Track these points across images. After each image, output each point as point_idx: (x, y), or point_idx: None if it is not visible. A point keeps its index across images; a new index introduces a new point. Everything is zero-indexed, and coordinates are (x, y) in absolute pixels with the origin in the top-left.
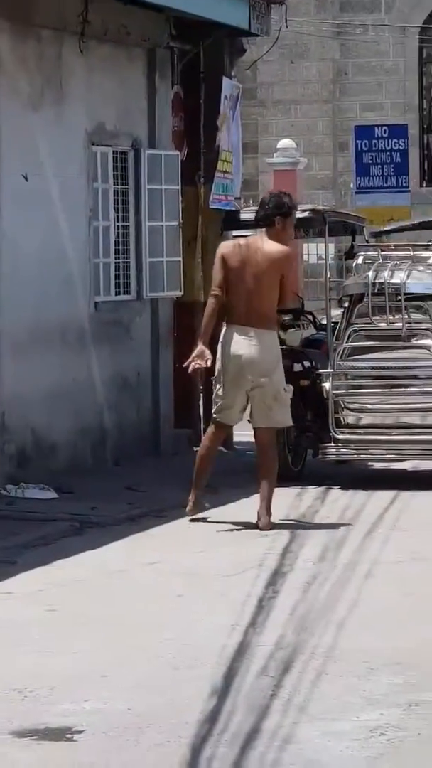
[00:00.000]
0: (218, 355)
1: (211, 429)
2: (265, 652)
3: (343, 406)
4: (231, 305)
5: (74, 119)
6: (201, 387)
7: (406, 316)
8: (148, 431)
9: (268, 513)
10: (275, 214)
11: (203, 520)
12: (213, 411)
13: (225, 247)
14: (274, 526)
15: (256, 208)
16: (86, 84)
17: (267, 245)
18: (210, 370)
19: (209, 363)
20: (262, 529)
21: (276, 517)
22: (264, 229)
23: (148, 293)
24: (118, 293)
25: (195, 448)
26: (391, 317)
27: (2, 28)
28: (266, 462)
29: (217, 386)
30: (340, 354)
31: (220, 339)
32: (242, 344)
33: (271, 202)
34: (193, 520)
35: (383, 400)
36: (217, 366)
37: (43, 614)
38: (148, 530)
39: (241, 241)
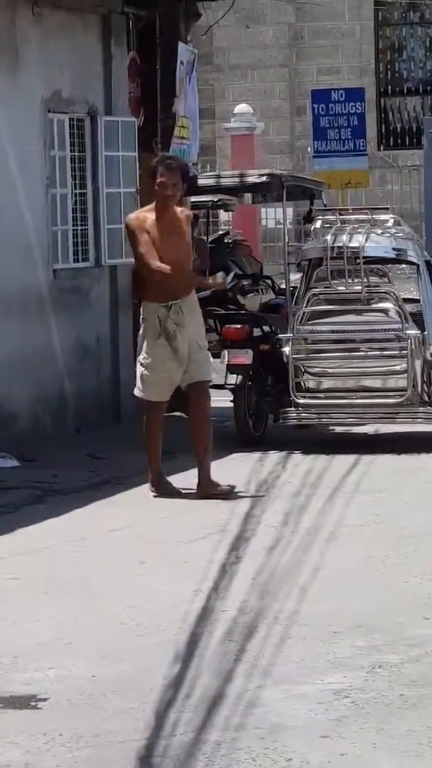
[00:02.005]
0: None
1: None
2: (228, 617)
3: (303, 370)
4: None
5: (30, 87)
6: None
7: (365, 280)
8: (109, 397)
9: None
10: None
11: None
12: None
13: None
14: (151, 486)
15: (214, 173)
16: (41, 51)
17: None
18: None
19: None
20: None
21: (238, 482)
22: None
23: (106, 260)
24: (76, 260)
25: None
26: (350, 281)
27: None
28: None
29: None
30: (299, 318)
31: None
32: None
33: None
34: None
35: (343, 364)
36: None
37: (6, 583)
38: (109, 497)
39: None
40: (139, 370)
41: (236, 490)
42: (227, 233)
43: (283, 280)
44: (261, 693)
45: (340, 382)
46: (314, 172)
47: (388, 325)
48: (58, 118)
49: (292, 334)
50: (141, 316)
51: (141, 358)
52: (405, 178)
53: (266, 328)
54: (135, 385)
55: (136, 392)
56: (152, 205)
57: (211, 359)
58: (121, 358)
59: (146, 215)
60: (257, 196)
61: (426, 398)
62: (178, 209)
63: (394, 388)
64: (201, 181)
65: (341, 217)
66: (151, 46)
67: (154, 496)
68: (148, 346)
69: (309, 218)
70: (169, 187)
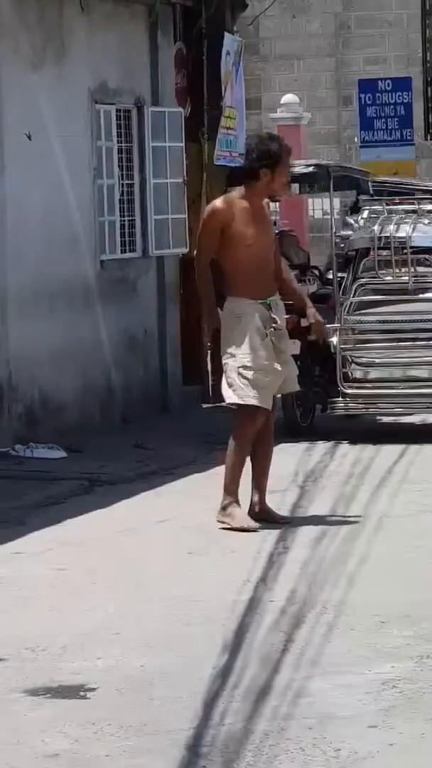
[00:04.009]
0: None
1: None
2: (276, 606)
3: (350, 360)
4: None
5: (77, 78)
6: (209, 345)
7: (413, 270)
8: (156, 389)
9: (221, 500)
10: (261, 166)
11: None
12: None
13: None
14: (221, 516)
15: None
16: (88, 42)
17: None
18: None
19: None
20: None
21: (285, 473)
22: (245, 183)
23: (153, 251)
24: (123, 251)
25: (204, 405)
26: (397, 271)
27: None
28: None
29: None
30: (346, 308)
31: None
32: None
33: (255, 152)
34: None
35: (390, 354)
36: None
37: (54, 573)
38: (157, 488)
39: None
40: (246, 373)
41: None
42: (274, 224)
43: (331, 271)
44: (309, 683)
45: (387, 372)
46: (361, 162)
47: None
48: (105, 109)
49: (339, 325)
50: (230, 313)
51: (246, 360)
52: None
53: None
54: (230, 390)
55: (242, 399)
56: (240, 192)
57: None
58: (168, 349)
59: (235, 202)
60: (304, 186)
61: None
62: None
63: None
64: None
65: (388, 207)
66: (197, 37)
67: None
68: (252, 347)
69: (356, 208)
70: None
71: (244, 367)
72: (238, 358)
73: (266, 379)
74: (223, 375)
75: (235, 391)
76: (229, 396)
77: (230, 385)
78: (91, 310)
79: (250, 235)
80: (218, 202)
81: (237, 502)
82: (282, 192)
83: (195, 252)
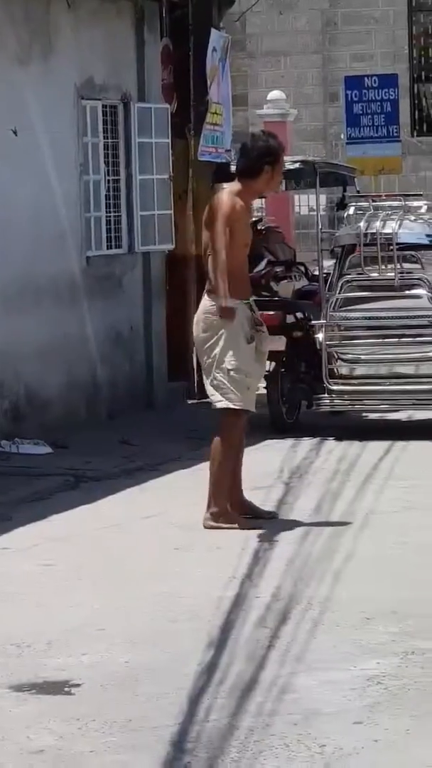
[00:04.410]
0: None
1: None
2: (261, 603)
3: (336, 356)
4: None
5: (63, 74)
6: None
7: (399, 266)
8: (142, 385)
9: (209, 506)
10: (263, 163)
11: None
12: None
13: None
14: (215, 522)
15: None
16: (74, 38)
17: (218, 197)
18: None
19: None
20: (204, 526)
21: (271, 469)
22: (241, 180)
23: (139, 247)
24: (109, 247)
25: (189, 401)
26: (383, 267)
27: None
28: (213, 448)
29: None
30: (332, 305)
31: None
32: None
33: (256, 149)
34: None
35: (376, 350)
36: None
37: (40, 569)
38: (142, 484)
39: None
40: (236, 376)
41: (206, 521)
42: (260, 220)
43: (317, 267)
44: (294, 679)
45: (373, 369)
46: (347, 158)
47: (421, 311)
48: (91, 105)
49: (325, 321)
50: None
51: (233, 363)
52: None
53: (299, 315)
54: (218, 393)
55: (233, 404)
56: (238, 188)
57: None
58: (154, 345)
59: (239, 200)
60: (290, 182)
61: None
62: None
63: (427, 375)
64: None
65: (374, 203)
66: (184, 33)
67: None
68: (242, 349)
69: (342, 205)
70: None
71: (235, 370)
72: (227, 359)
73: (253, 381)
74: (209, 377)
75: (225, 395)
76: (218, 400)
77: (217, 388)
78: (77, 306)
79: (248, 235)
80: (238, 199)
81: (227, 508)
82: (276, 189)
83: (212, 245)
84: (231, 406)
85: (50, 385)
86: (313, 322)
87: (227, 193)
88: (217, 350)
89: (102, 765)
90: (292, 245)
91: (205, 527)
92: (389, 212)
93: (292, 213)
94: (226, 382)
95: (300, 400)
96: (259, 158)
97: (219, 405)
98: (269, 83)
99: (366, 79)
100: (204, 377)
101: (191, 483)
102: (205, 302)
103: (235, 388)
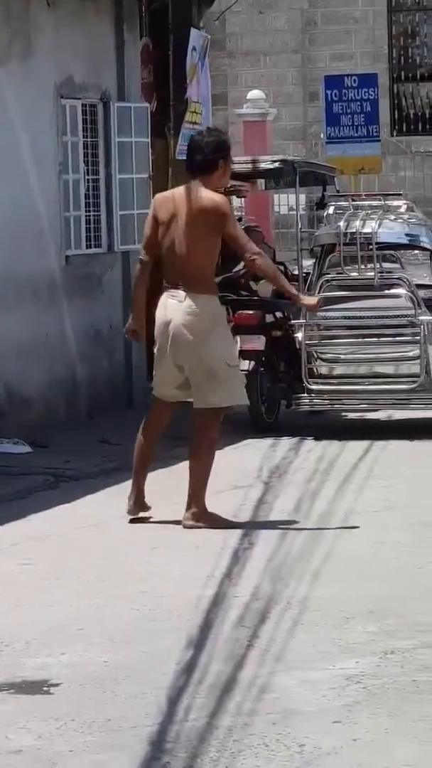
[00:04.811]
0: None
1: (152, 405)
2: (240, 602)
3: (315, 356)
4: (165, 266)
5: (42, 73)
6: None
7: (378, 266)
8: (121, 384)
9: (190, 506)
10: (218, 158)
11: (145, 520)
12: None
13: (157, 199)
14: (195, 522)
15: None
16: (54, 37)
17: (203, 195)
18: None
19: (142, 338)
20: (183, 526)
21: (250, 468)
22: (198, 177)
23: (119, 246)
24: (89, 246)
25: None
26: (363, 267)
27: None
28: (195, 446)
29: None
30: None
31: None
32: (171, 310)
33: (210, 145)
34: (133, 521)
35: (356, 350)
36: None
37: (19, 568)
38: (122, 483)
39: (174, 191)
40: (236, 370)
41: (189, 521)
42: (240, 219)
43: (296, 266)
44: (273, 679)
45: (352, 368)
46: (327, 158)
47: (400, 311)
48: (71, 104)
49: (304, 320)
50: (219, 309)
51: (233, 358)
52: (418, 164)
53: (279, 314)
54: (224, 392)
55: (241, 400)
56: (201, 185)
57: None
58: (133, 344)
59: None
60: (270, 182)
61: None
62: None
63: (407, 374)
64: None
65: (354, 203)
66: (163, 32)
67: (130, 521)
68: (233, 344)
69: (322, 204)
70: None
71: (236, 365)
72: (229, 355)
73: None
74: (207, 376)
75: (230, 392)
76: (223, 398)
77: (222, 384)
78: (56, 305)
79: None
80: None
81: (206, 508)
82: (226, 185)
83: (239, 249)
84: (239, 402)
85: (30, 384)
86: (292, 321)
87: (206, 191)
88: (217, 349)
89: (81, 765)
90: (271, 245)
91: (185, 527)
92: (369, 212)
93: (271, 212)
94: (232, 377)
95: (279, 400)
96: (213, 153)
97: (225, 403)
98: (249, 82)
99: (346, 78)
100: (190, 379)
101: (169, 482)
102: (182, 304)
103: (239, 382)
